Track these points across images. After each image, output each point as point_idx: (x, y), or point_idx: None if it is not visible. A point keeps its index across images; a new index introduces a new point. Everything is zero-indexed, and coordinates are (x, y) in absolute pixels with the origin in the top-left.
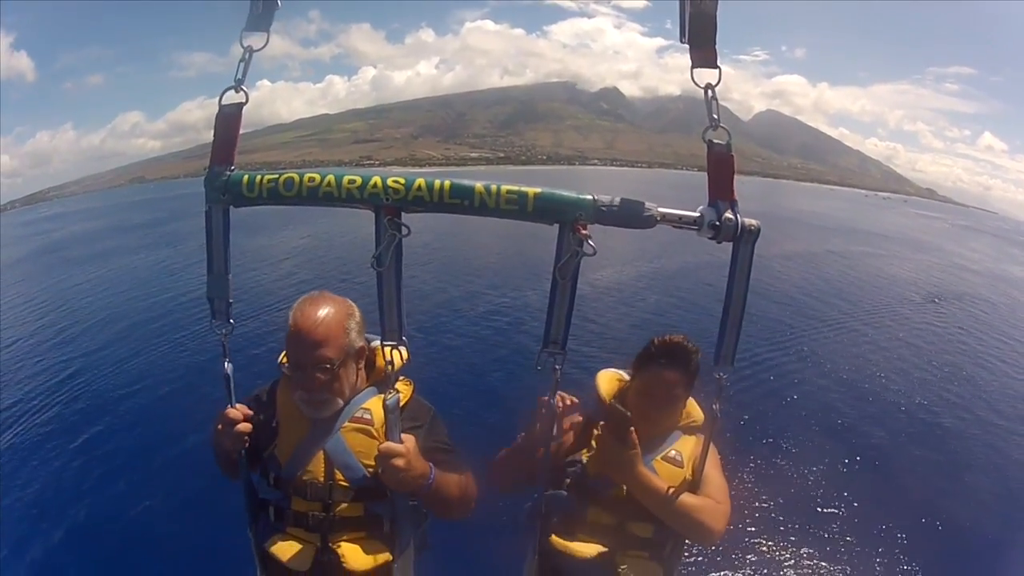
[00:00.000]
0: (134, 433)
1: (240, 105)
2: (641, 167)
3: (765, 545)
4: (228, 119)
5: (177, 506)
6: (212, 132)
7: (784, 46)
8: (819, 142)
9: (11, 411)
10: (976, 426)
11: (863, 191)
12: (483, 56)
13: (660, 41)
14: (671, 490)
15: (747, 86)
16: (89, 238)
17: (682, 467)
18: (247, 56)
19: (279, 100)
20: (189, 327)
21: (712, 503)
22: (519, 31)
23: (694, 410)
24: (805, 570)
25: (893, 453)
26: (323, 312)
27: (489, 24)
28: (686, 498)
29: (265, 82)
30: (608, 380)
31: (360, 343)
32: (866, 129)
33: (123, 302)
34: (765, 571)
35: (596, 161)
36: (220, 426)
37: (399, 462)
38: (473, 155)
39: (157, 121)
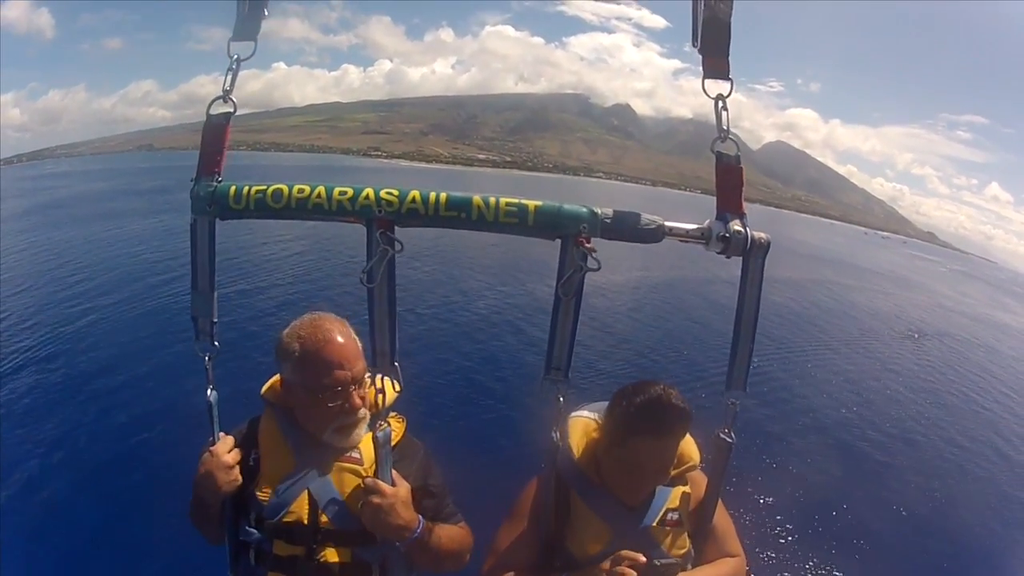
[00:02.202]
0: (139, 381)
1: (228, 115)
2: (645, 184)
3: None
4: (216, 129)
5: (179, 458)
6: None
7: (800, 79)
8: (825, 177)
9: (18, 356)
10: (946, 449)
11: (863, 228)
12: (500, 60)
13: (677, 63)
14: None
15: (759, 116)
16: (96, 198)
17: (683, 525)
18: (234, 66)
19: (292, 83)
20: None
21: (741, 562)
22: (538, 39)
23: (687, 449)
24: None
25: (861, 470)
26: (341, 330)
27: (509, 30)
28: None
29: (281, 64)
30: (581, 436)
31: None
32: (874, 169)
33: (130, 258)
34: None
35: (601, 174)
36: (208, 471)
37: (377, 500)
38: (480, 156)
39: (169, 92)
